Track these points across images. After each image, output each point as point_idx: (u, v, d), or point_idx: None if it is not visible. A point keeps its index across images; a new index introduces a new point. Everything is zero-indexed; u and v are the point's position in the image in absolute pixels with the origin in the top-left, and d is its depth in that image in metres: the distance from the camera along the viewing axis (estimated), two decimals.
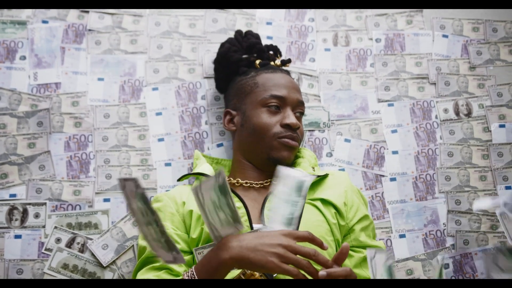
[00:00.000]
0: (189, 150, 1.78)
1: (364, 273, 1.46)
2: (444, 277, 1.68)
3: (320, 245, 1.22)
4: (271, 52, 1.74)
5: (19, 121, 1.75)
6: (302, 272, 1.18)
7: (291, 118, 1.56)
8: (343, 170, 1.78)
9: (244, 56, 1.71)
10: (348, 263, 1.45)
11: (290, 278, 1.31)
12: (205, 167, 1.58)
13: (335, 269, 1.19)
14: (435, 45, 1.92)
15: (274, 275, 1.33)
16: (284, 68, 1.72)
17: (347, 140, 1.82)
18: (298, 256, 1.19)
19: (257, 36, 1.76)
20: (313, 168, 1.61)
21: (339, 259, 1.23)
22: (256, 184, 1.57)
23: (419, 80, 1.89)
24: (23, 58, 1.81)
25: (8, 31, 1.83)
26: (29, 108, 1.76)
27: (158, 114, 1.81)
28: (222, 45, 1.75)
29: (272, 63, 1.70)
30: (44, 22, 1.84)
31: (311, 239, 1.22)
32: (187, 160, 1.77)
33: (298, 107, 1.62)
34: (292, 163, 1.60)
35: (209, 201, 1.20)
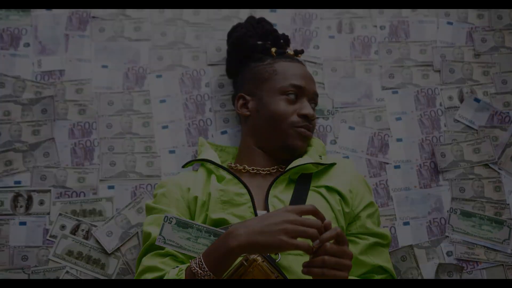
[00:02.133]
0: (193, 138, 1.78)
1: (370, 260, 1.47)
2: None
3: (322, 219, 1.22)
4: (281, 41, 1.74)
5: (24, 108, 1.75)
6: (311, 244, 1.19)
7: (308, 109, 1.57)
8: (347, 157, 1.78)
9: (259, 42, 1.70)
10: (354, 250, 1.45)
11: (293, 273, 1.33)
12: (209, 154, 1.58)
13: (324, 234, 1.19)
14: (440, 32, 1.91)
15: (277, 260, 1.34)
16: (296, 58, 1.71)
17: (351, 128, 1.82)
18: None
19: (270, 24, 1.76)
20: (320, 156, 1.61)
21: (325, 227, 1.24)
22: (263, 170, 1.57)
23: (423, 67, 1.88)
24: (27, 45, 1.81)
25: (12, 18, 1.82)
26: (33, 95, 1.76)
27: (162, 101, 1.80)
28: (235, 29, 1.74)
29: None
30: (48, 9, 1.84)
31: (316, 213, 1.23)
32: (191, 148, 1.77)
33: (313, 98, 1.63)
34: None
35: (182, 240, 1.27)
